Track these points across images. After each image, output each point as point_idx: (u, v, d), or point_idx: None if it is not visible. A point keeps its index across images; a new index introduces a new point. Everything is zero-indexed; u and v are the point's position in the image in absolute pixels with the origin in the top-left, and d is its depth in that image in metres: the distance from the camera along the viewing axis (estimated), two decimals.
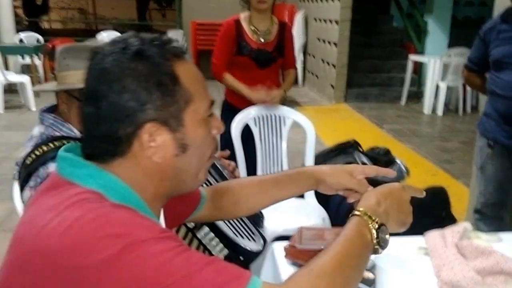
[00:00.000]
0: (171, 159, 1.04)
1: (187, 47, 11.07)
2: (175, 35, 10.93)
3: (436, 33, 9.49)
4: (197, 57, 10.56)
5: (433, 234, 1.89)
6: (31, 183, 1.59)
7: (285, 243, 1.76)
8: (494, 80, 2.85)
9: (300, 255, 1.68)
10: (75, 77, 1.69)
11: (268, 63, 3.44)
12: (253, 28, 3.42)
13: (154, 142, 1.01)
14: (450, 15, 9.59)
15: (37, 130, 1.74)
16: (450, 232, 1.86)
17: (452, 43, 9.12)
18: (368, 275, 1.63)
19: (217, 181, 1.77)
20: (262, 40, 3.43)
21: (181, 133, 1.03)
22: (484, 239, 1.93)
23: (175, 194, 1.13)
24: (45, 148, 1.61)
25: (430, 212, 3.08)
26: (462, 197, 4.15)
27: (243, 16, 3.47)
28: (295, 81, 4.41)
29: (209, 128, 1.09)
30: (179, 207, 1.32)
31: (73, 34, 13.88)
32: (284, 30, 3.54)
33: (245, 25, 3.44)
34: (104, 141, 1.00)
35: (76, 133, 1.70)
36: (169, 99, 1.01)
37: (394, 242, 1.94)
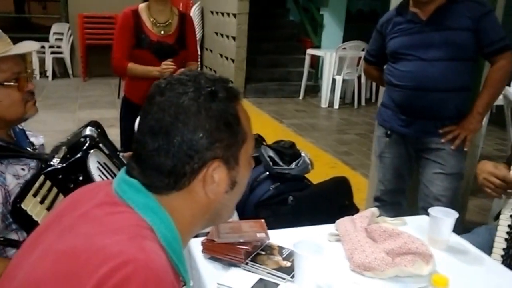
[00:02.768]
0: (222, 195, 1.09)
1: (74, 42, 10.68)
2: (60, 29, 10.50)
3: (331, 27, 9.68)
4: (85, 53, 10.15)
5: (343, 221, 1.96)
6: None
7: (201, 239, 1.76)
8: (390, 71, 2.97)
9: (217, 249, 1.69)
10: None
11: (170, 56, 3.34)
12: (152, 19, 3.33)
13: (213, 179, 1.05)
14: (345, 8, 9.81)
15: None
16: (359, 218, 1.94)
17: (346, 37, 9.36)
18: (285, 263, 1.66)
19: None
20: (163, 33, 3.35)
21: (235, 171, 1.09)
22: (391, 223, 2.03)
23: (205, 227, 1.18)
24: None
25: (334, 201, 3.19)
26: (360, 187, 4.32)
27: (141, 7, 3.36)
28: None
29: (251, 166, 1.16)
30: None
31: None
32: (185, 22, 3.47)
33: (144, 16, 3.33)
34: (168, 174, 1.03)
35: None
36: (233, 138, 1.07)
37: (307, 231, 2.02)
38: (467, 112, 2.85)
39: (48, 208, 1.52)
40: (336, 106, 8.57)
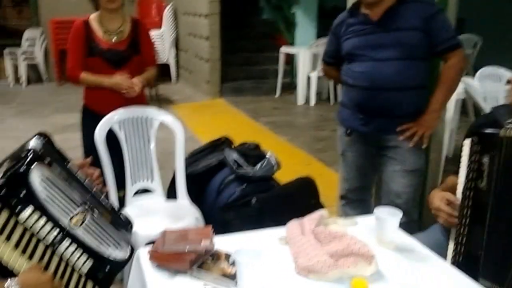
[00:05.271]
0: None
1: (47, 47, 10.64)
2: (33, 35, 10.47)
3: (304, 24, 9.73)
4: (58, 58, 10.12)
5: (293, 224, 1.99)
6: None
7: (148, 248, 1.79)
8: (346, 71, 3.02)
9: (163, 257, 1.72)
10: None
11: (123, 62, 3.34)
12: (103, 28, 3.34)
13: None
14: (317, 5, 9.85)
15: None
16: (308, 220, 1.97)
17: (320, 34, 9.39)
18: (230, 270, 1.70)
19: (78, 194, 1.72)
20: (114, 40, 3.35)
21: None
22: (340, 224, 2.07)
23: None
24: None
25: (299, 202, 3.23)
26: (335, 184, 4.36)
27: (92, 16, 3.37)
28: (162, 78, 4.33)
29: None
30: None
31: None
32: (138, 28, 3.46)
33: (95, 25, 3.34)
34: None
35: None
36: None
37: (255, 236, 2.05)
38: (424, 110, 2.90)
39: None
40: (312, 103, 8.62)
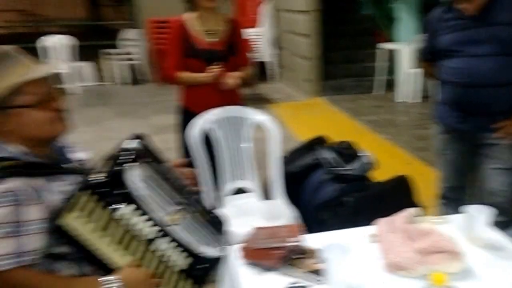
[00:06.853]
0: None
1: (145, 47, 10.61)
2: (131, 35, 10.55)
3: (405, 19, 9.46)
4: (155, 58, 10.13)
5: (382, 221, 2.02)
6: None
7: (240, 245, 1.87)
8: (443, 67, 2.97)
9: (254, 254, 1.80)
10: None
11: (219, 62, 3.37)
12: (201, 28, 3.38)
13: None
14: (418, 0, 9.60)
15: None
16: (398, 218, 2.00)
17: (421, 29, 9.08)
18: (319, 265, 1.75)
19: (175, 193, 1.79)
20: (211, 40, 3.39)
21: None
22: (430, 221, 2.07)
23: None
24: None
25: (394, 201, 3.21)
26: (436, 183, 4.28)
27: (190, 16, 3.41)
28: (258, 78, 4.32)
29: None
30: None
31: (14, 40, 13.08)
32: (234, 28, 3.50)
33: (192, 25, 3.39)
34: None
35: (17, 150, 1.71)
36: None
37: (345, 233, 2.09)
38: None
39: (93, 222, 1.61)
40: (414, 100, 8.42)
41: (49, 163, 1.76)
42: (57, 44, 9.96)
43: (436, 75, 3.18)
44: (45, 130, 1.74)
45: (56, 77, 1.98)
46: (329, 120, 7.69)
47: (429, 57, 3.21)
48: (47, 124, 1.74)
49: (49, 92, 1.75)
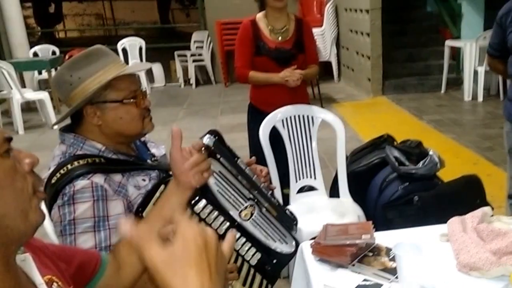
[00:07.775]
0: None
1: (214, 48, 10.96)
2: (200, 37, 10.92)
3: (471, 16, 9.25)
4: (224, 59, 10.46)
5: (454, 221, 1.99)
6: (59, 201, 1.64)
7: (311, 242, 1.89)
8: None
9: (325, 251, 1.81)
10: (92, 84, 1.74)
11: (289, 61, 3.45)
12: (270, 27, 3.47)
13: None
14: None
15: (58, 150, 1.79)
16: (470, 217, 1.96)
17: (487, 25, 8.91)
18: (391, 264, 1.74)
19: (247, 189, 1.80)
20: (280, 39, 3.47)
21: None
22: (504, 221, 2.02)
23: (6, 243, 0.95)
24: (69, 166, 1.67)
25: (463, 201, 3.15)
26: (504, 184, 4.17)
27: (259, 16, 3.51)
28: (321, 77, 4.35)
29: (12, 164, 0.96)
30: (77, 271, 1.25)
31: (91, 42, 13.47)
32: (302, 26, 3.56)
33: (261, 24, 3.48)
34: None
35: (99, 147, 1.76)
36: None
37: (416, 232, 2.07)
38: None
39: None
40: (480, 98, 8.20)
41: (130, 159, 1.82)
42: (130, 46, 10.43)
43: (505, 72, 3.12)
44: (135, 126, 1.81)
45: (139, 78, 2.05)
46: (392, 119, 7.60)
47: (497, 54, 3.14)
48: (138, 120, 1.81)
49: (140, 89, 1.82)
